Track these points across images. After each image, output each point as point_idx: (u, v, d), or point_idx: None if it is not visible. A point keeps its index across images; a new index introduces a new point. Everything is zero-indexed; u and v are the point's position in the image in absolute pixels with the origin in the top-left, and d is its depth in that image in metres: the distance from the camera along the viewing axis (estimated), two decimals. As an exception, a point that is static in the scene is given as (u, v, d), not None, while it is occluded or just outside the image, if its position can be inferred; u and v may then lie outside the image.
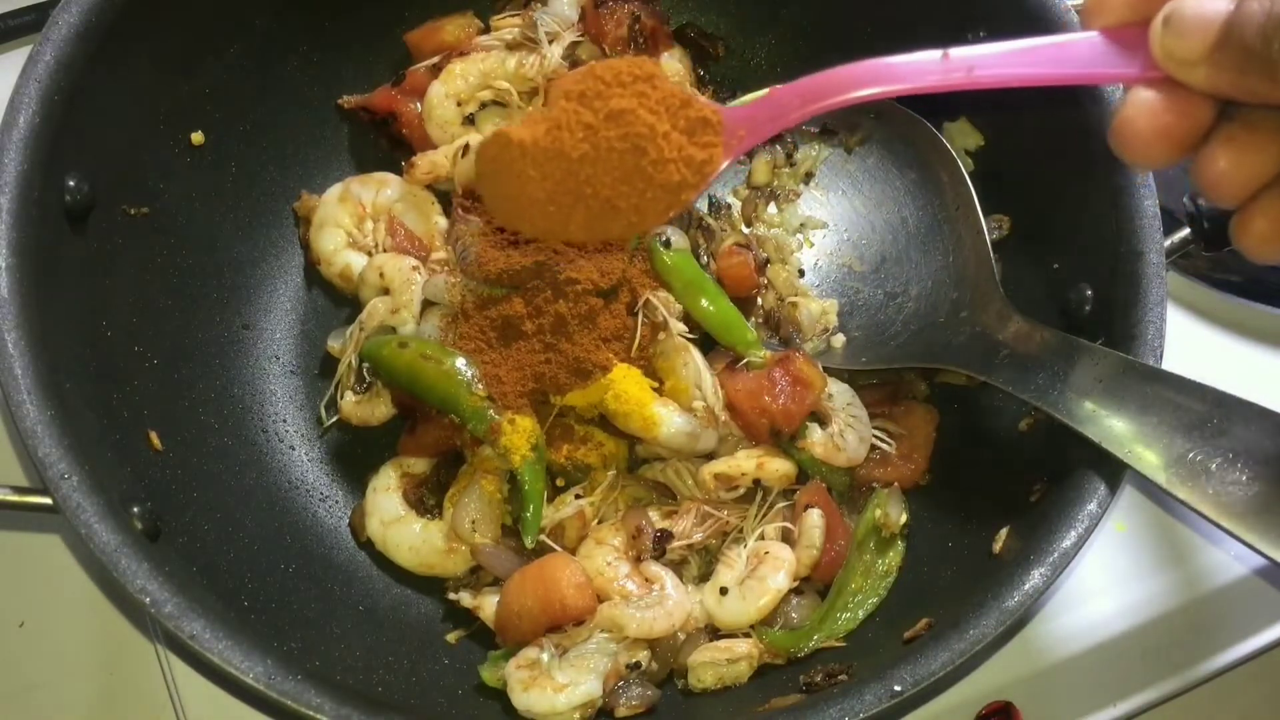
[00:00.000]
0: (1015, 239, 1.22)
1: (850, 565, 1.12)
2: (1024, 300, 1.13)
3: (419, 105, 1.28)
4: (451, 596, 1.15)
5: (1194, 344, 1.33)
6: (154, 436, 1.08)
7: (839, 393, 1.18)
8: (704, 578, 1.15)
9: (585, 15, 1.29)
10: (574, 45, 1.28)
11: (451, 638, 1.15)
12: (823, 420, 1.17)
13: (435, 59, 1.29)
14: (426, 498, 1.18)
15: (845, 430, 1.16)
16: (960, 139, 1.26)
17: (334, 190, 1.27)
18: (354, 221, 1.26)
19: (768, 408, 1.13)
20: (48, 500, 0.91)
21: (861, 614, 1.10)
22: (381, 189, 1.27)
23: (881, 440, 1.19)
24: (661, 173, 0.87)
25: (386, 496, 1.17)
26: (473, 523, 1.13)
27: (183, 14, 1.14)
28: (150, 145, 1.15)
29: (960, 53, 0.83)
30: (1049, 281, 1.15)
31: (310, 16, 1.26)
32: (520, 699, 1.04)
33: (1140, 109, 0.76)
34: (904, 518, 1.13)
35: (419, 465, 1.18)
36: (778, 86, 0.87)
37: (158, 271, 1.16)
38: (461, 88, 1.27)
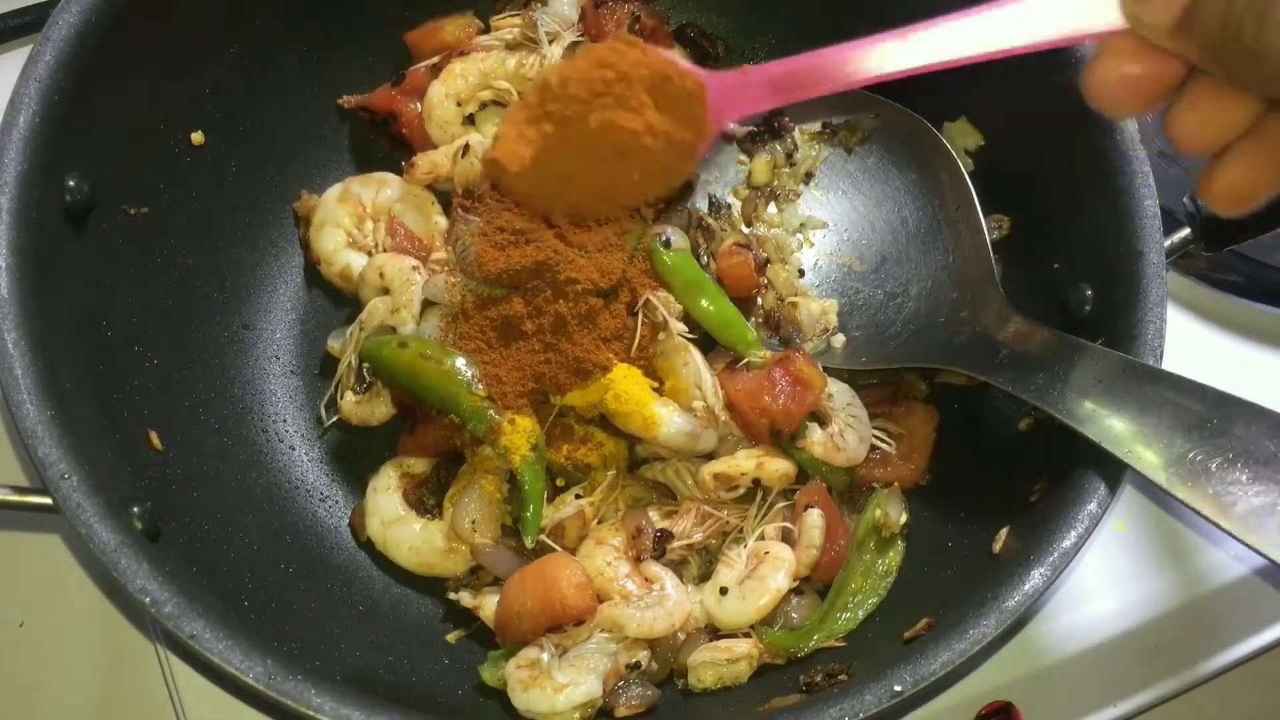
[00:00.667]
0: (1015, 239, 1.22)
1: (850, 565, 1.12)
2: (1024, 300, 1.13)
3: (419, 105, 1.28)
4: (451, 596, 1.15)
5: (1194, 344, 1.33)
6: (154, 436, 1.08)
7: (839, 393, 1.18)
8: (704, 578, 1.15)
9: (585, 15, 1.29)
10: (574, 45, 1.28)
11: (451, 638, 1.15)
12: (823, 420, 1.17)
13: (435, 59, 1.29)
14: (426, 498, 1.18)
15: (845, 430, 1.16)
16: (960, 139, 1.26)
17: (334, 190, 1.27)
18: (354, 221, 1.26)
19: (768, 408, 1.12)
20: (48, 500, 0.91)
21: (861, 614, 1.10)
22: (381, 189, 1.26)
23: (881, 440, 1.19)
24: (652, 162, 0.89)
25: (386, 496, 1.17)
26: (473, 523, 1.13)
27: (183, 14, 1.13)
28: (150, 145, 1.15)
29: (922, 31, 0.82)
30: (1049, 281, 1.15)
31: (310, 16, 1.26)
32: (520, 699, 1.04)
33: (1111, 62, 0.76)
34: (904, 518, 1.13)
35: (419, 465, 1.18)
36: (749, 67, 0.89)
37: (158, 271, 1.16)
38: (461, 88, 1.27)
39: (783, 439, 1.14)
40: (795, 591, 1.12)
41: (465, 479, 1.15)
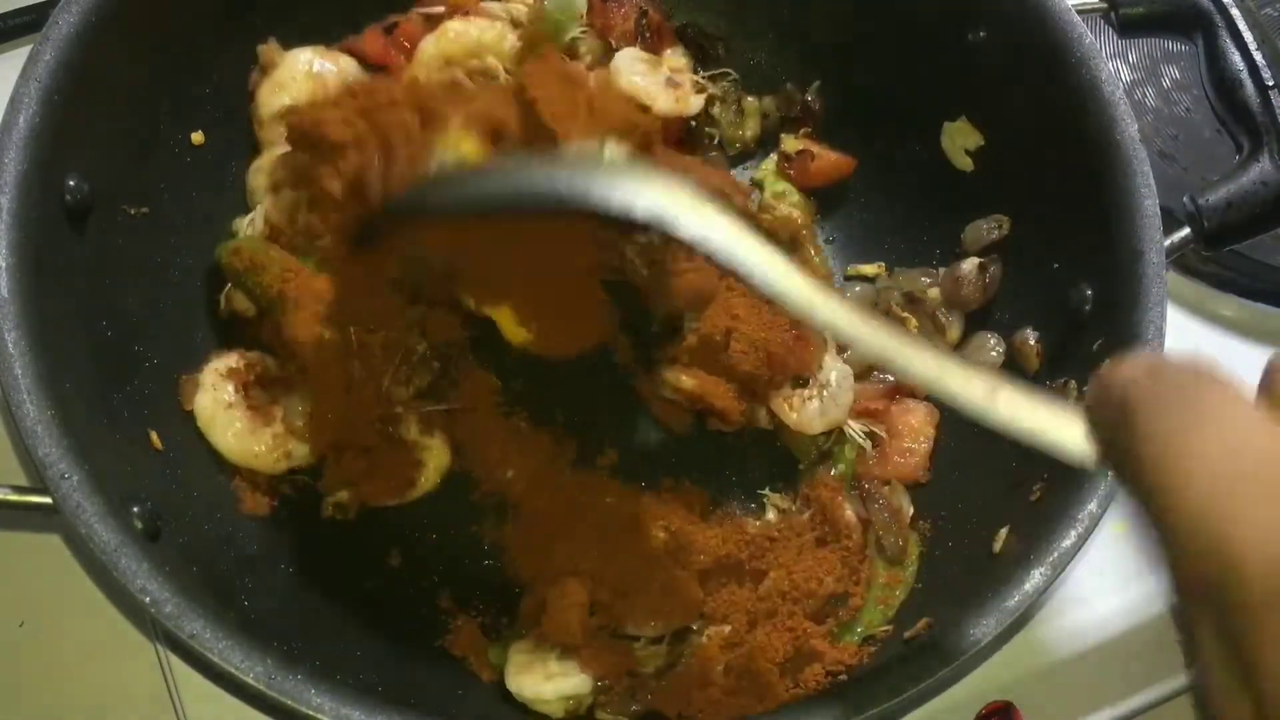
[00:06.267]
0: (1015, 239, 1.22)
1: (874, 561, 1.13)
2: (1024, 300, 1.13)
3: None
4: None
5: (1194, 344, 1.33)
6: (154, 436, 1.08)
7: (836, 373, 1.18)
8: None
9: (593, 7, 1.28)
10: (573, 41, 1.27)
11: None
12: (803, 384, 1.17)
13: (436, 8, 1.24)
14: (261, 396, 1.13)
15: (811, 400, 1.16)
16: (960, 139, 1.26)
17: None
18: None
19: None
20: (48, 500, 0.91)
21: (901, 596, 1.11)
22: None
23: (867, 438, 1.19)
24: None
25: (227, 379, 1.13)
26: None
27: (183, 14, 1.13)
28: (150, 145, 1.15)
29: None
30: (1049, 281, 1.15)
31: (312, 16, 1.26)
32: (513, 681, 1.05)
33: None
34: (910, 510, 1.15)
35: (265, 361, 1.15)
36: None
37: (158, 271, 1.16)
38: (455, 49, 1.22)
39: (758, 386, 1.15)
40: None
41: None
